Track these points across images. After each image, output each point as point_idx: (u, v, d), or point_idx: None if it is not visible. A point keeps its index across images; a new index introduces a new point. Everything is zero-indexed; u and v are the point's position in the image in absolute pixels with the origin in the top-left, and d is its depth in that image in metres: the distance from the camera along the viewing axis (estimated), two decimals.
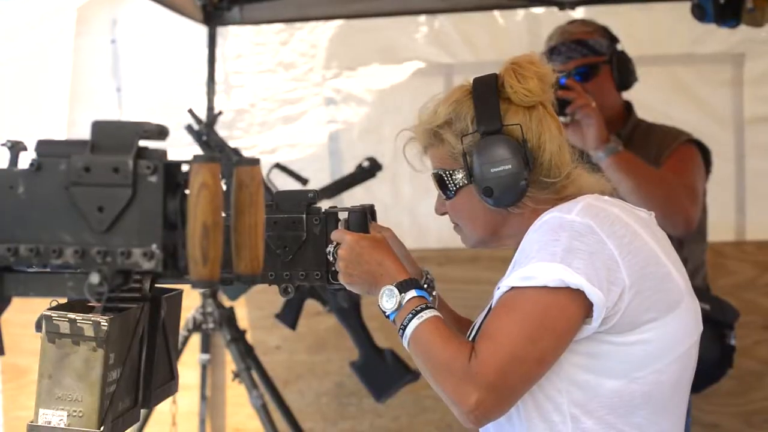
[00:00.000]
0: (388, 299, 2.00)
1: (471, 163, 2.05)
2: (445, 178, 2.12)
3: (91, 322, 1.68)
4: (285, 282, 2.15)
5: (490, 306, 2.01)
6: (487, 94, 2.07)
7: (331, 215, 2.15)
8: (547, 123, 2.07)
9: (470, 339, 2.07)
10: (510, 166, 2.01)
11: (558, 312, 1.88)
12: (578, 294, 1.87)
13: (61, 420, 1.68)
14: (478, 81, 2.11)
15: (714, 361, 3.41)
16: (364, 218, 2.14)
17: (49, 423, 1.69)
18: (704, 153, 3.50)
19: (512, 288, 1.92)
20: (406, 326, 1.97)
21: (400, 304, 1.99)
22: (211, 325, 4.45)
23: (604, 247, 1.90)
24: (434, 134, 2.12)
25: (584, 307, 1.88)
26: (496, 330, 1.90)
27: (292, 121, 5.10)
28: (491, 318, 1.94)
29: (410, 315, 1.97)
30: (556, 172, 2.06)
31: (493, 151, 2.03)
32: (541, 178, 2.05)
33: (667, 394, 1.98)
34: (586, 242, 1.89)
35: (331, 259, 2.11)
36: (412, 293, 2.00)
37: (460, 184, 2.10)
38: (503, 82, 2.07)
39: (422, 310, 1.97)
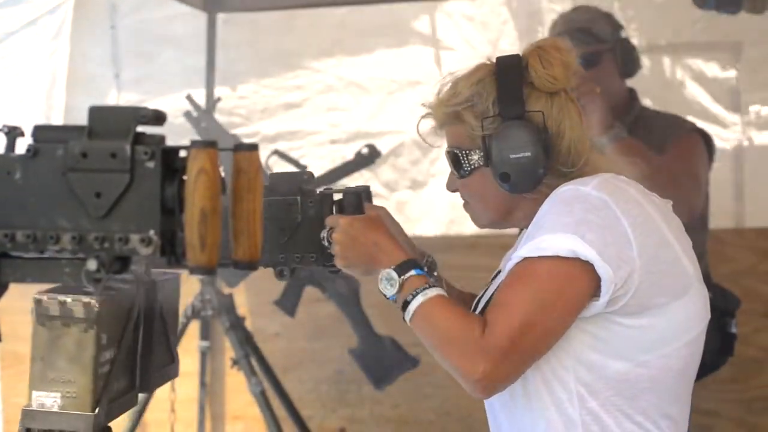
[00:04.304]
0: (388, 283, 2.00)
1: (489, 147, 2.04)
2: (461, 157, 2.10)
3: (81, 303, 1.68)
4: (280, 265, 2.13)
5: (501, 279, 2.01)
6: (511, 77, 2.04)
7: (326, 197, 2.14)
8: (568, 110, 2.05)
9: (476, 312, 2.07)
10: (529, 153, 1.99)
11: (568, 282, 1.88)
12: (588, 267, 1.87)
13: (55, 401, 1.69)
14: (501, 61, 2.08)
15: (715, 350, 3.42)
16: (359, 199, 2.13)
17: (43, 405, 1.69)
18: (707, 142, 3.51)
19: (524, 258, 1.91)
20: (409, 303, 1.96)
21: (400, 286, 1.98)
22: (210, 312, 4.45)
23: (617, 223, 1.89)
24: (453, 113, 2.10)
25: (593, 281, 1.88)
26: (506, 299, 1.91)
27: (293, 108, 5.09)
28: (502, 288, 1.94)
29: (413, 293, 1.96)
30: (575, 160, 2.04)
31: (514, 136, 2.00)
32: (559, 167, 2.03)
33: (673, 380, 1.98)
34: (600, 216, 1.89)
35: (326, 243, 2.09)
36: (411, 273, 1.99)
37: (476, 165, 2.08)
38: (527, 64, 2.05)
39: (426, 288, 1.96)
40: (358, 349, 4.17)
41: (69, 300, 1.69)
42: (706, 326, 2.06)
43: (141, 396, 1.93)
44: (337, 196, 2.15)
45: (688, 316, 1.98)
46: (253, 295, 4.86)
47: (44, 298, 1.70)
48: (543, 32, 4.53)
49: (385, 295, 2.01)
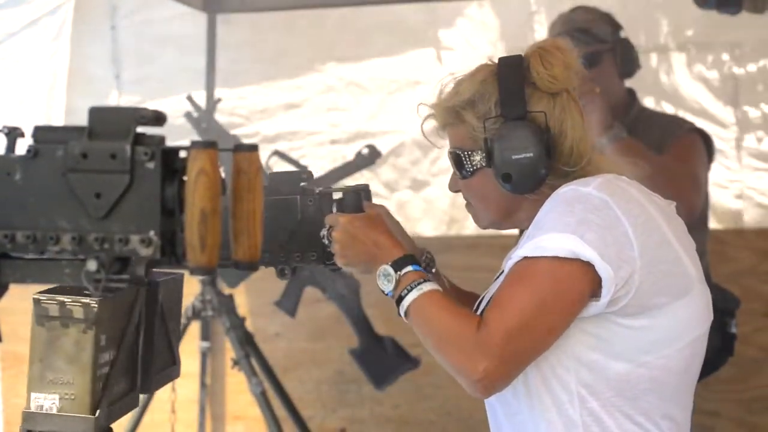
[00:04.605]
0: (385, 279, 2.00)
1: (491, 147, 2.03)
2: (463, 158, 2.10)
3: (80, 304, 1.68)
4: (281, 264, 2.14)
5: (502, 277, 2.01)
6: (513, 78, 2.04)
7: (326, 196, 2.15)
8: (570, 110, 2.05)
9: (477, 311, 2.07)
10: (532, 154, 1.99)
11: (568, 282, 1.87)
12: (588, 267, 1.86)
13: (54, 403, 1.68)
14: (503, 62, 2.07)
15: (715, 350, 3.41)
16: (358, 198, 2.13)
17: (42, 407, 1.69)
18: (706, 142, 3.51)
19: (524, 258, 1.91)
20: (403, 298, 1.97)
21: (397, 282, 1.99)
22: (210, 313, 4.44)
23: (618, 224, 1.89)
24: (455, 114, 2.10)
25: (594, 281, 1.87)
26: (505, 298, 1.90)
27: (293, 108, 5.09)
28: (501, 287, 1.94)
29: (407, 288, 1.97)
30: (577, 160, 2.04)
31: (516, 137, 2.00)
32: (561, 167, 2.03)
33: (674, 381, 1.98)
34: (600, 216, 1.89)
35: (326, 242, 2.10)
36: (408, 269, 1.99)
37: (478, 166, 2.08)
38: (528, 65, 2.05)
39: (420, 283, 1.97)
40: (359, 349, 4.17)
41: (68, 300, 1.68)
42: (709, 327, 2.06)
43: (141, 397, 1.92)
44: (336, 195, 2.15)
45: (689, 316, 1.98)
46: (253, 295, 4.86)
47: (43, 298, 1.70)
48: (542, 32, 4.52)
49: (383, 291, 2.02)
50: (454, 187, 2.18)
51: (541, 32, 4.66)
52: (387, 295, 2.02)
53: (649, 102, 3.68)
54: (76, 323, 1.68)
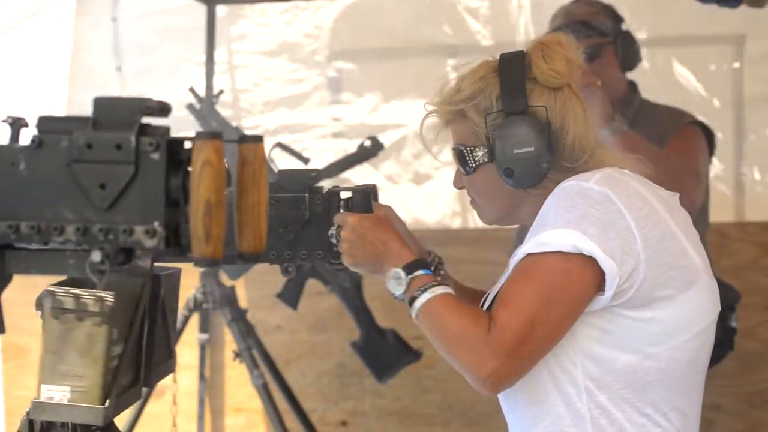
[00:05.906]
0: (396, 282, 2.01)
1: (493, 142, 2.04)
2: (466, 154, 2.11)
3: (95, 298, 1.67)
4: (287, 261, 2.14)
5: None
6: (514, 73, 2.05)
7: (334, 195, 2.15)
8: (572, 105, 2.05)
9: (484, 308, 2.07)
10: (533, 149, 2.00)
11: (572, 277, 1.88)
12: (591, 261, 1.87)
13: (64, 395, 1.68)
14: (504, 58, 2.08)
15: (715, 343, 3.41)
16: (367, 198, 2.14)
17: (52, 398, 1.69)
18: (708, 135, 3.50)
19: (528, 255, 1.92)
20: (416, 298, 1.97)
21: (408, 285, 1.99)
22: (211, 305, 4.44)
23: (620, 217, 1.90)
24: (457, 110, 2.10)
25: (597, 275, 1.88)
26: (512, 296, 1.91)
27: (295, 102, 5.08)
28: (507, 285, 1.95)
29: (420, 290, 1.97)
30: (579, 155, 2.04)
31: (517, 132, 2.01)
32: (563, 163, 2.04)
33: (682, 372, 1.99)
34: (602, 210, 1.89)
35: (334, 241, 2.10)
36: (419, 272, 2.00)
37: (481, 162, 2.09)
38: (530, 61, 2.05)
39: (433, 286, 1.97)
40: (360, 341, 4.16)
41: (83, 294, 1.68)
42: (716, 319, 2.06)
43: (143, 390, 1.92)
44: (344, 194, 2.15)
45: (696, 308, 1.98)
46: (254, 287, 4.86)
47: (58, 291, 1.69)
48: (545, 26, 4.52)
49: (393, 294, 2.02)
50: (458, 184, 2.19)
51: (544, 25, 4.65)
52: (396, 297, 2.02)
53: (650, 95, 3.67)
54: (90, 316, 1.68)
